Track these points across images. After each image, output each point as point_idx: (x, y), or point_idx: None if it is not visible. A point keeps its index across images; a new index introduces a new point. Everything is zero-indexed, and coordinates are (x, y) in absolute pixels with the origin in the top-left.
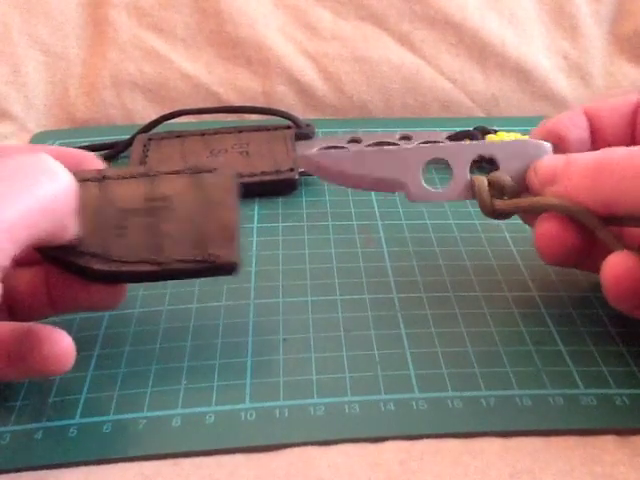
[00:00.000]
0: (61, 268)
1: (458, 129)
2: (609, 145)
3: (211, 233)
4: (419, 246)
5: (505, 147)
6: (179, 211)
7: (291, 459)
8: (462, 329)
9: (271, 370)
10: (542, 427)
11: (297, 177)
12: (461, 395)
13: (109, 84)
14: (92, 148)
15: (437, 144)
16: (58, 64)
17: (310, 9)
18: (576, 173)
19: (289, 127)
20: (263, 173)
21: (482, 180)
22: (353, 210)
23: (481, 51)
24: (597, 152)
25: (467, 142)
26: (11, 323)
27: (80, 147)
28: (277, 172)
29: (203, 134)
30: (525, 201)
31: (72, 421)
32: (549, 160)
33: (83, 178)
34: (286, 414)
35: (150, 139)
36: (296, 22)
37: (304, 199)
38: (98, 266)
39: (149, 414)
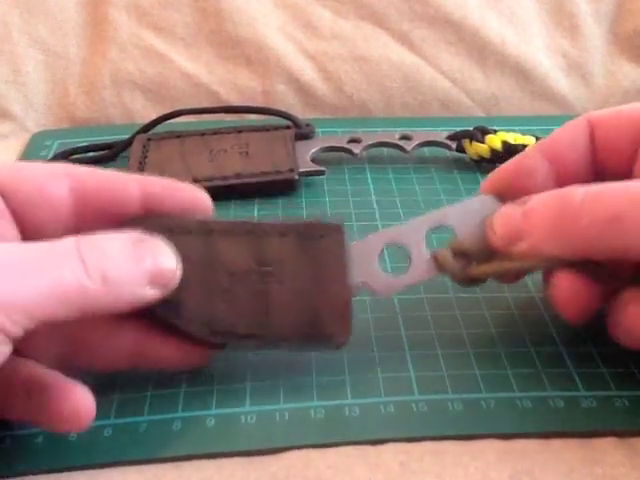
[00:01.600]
0: (158, 325)
1: (458, 129)
2: (573, 180)
3: (324, 311)
4: None
5: (454, 212)
6: (289, 280)
7: (291, 462)
8: (462, 331)
9: (271, 373)
10: (542, 429)
11: (297, 177)
12: (461, 397)
13: (109, 83)
14: (92, 148)
15: (385, 230)
16: (58, 63)
17: (310, 8)
18: (537, 227)
19: (289, 127)
20: (263, 173)
21: (445, 252)
22: (353, 211)
23: (481, 50)
24: (553, 194)
25: (416, 219)
26: (37, 366)
27: (80, 147)
28: (277, 172)
29: (203, 134)
30: (498, 266)
31: None
32: (504, 215)
33: (187, 229)
34: (286, 417)
35: (150, 139)
36: (296, 21)
37: (304, 199)
38: (204, 335)
39: (149, 417)
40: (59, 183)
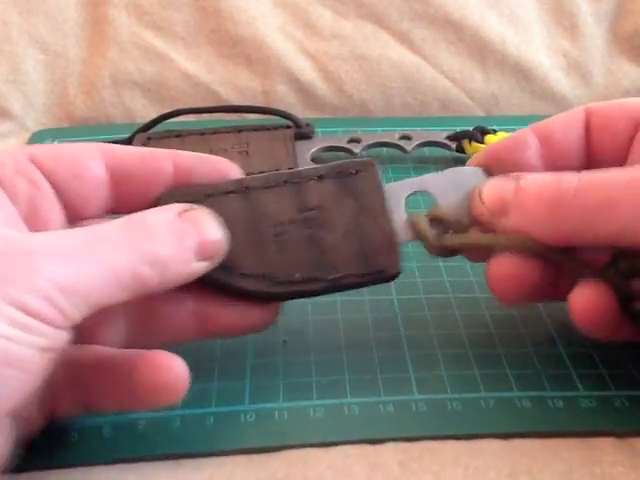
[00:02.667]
0: (218, 291)
1: (458, 129)
2: (563, 164)
3: (373, 243)
4: (419, 247)
5: (438, 179)
6: (335, 221)
7: (291, 461)
8: (461, 331)
9: (271, 371)
10: (541, 429)
11: None
12: (460, 397)
13: (109, 83)
14: None
15: None
16: (58, 63)
17: (310, 8)
18: (530, 204)
19: (289, 127)
20: (262, 173)
21: (422, 218)
22: None
23: (481, 50)
24: (548, 178)
25: (396, 183)
26: (113, 350)
27: None
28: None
29: (202, 133)
30: (474, 238)
31: (72, 423)
32: (496, 186)
33: (225, 191)
34: (286, 416)
35: (149, 138)
36: (296, 21)
37: None
38: (264, 288)
39: (149, 415)
40: (96, 161)
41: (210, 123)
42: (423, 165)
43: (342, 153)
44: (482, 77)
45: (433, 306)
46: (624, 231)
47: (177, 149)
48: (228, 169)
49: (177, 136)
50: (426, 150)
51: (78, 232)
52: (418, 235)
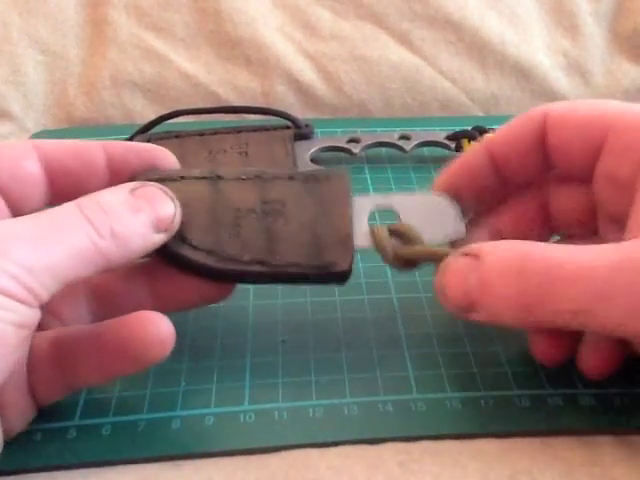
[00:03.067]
0: (168, 262)
1: (457, 128)
2: (517, 175)
3: (326, 240)
4: None
5: (405, 200)
6: (294, 216)
7: (290, 461)
8: (461, 329)
9: (270, 371)
10: (541, 427)
11: None
12: (460, 396)
13: (108, 84)
14: None
15: None
16: (57, 64)
17: (309, 8)
18: (496, 301)
19: (288, 127)
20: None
21: (382, 228)
22: None
23: (481, 50)
24: (509, 269)
25: (365, 196)
26: (91, 325)
27: None
28: None
29: (202, 134)
30: (427, 250)
31: (71, 423)
32: (456, 279)
33: (197, 176)
34: (285, 416)
35: (149, 139)
36: (295, 22)
37: None
38: (210, 262)
39: (148, 416)
40: (31, 159)
41: (210, 124)
42: (422, 165)
43: (341, 153)
44: (482, 77)
45: (432, 305)
46: (598, 331)
47: (176, 150)
48: (163, 157)
49: (177, 137)
50: (425, 150)
51: (37, 216)
52: (376, 243)
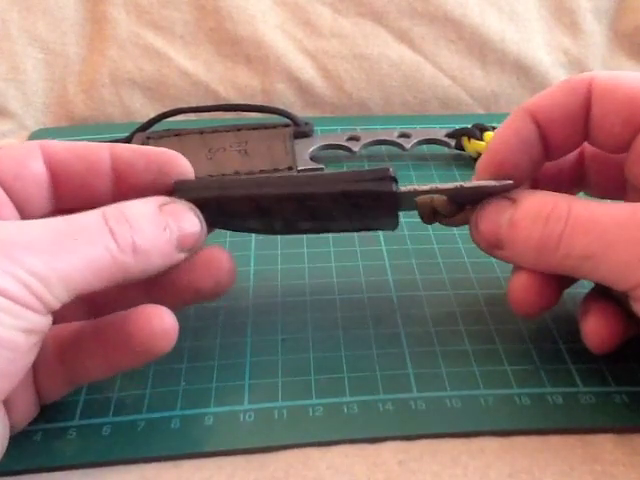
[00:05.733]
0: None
1: (457, 126)
2: (562, 146)
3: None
4: (418, 244)
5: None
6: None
7: (290, 460)
8: (461, 327)
9: (270, 370)
10: (541, 426)
11: None
12: (460, 394)
13: (108, 82)
14: None
15: None
16: (57, 61)
17: (309, 6)
18: (519, 244)
19: (288, 125)
20: (261, 172)
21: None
22: None
23: (481, 47)
24: (538, 215)
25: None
26: (100, 318)
27: None
28: (275, 170)
29: (202, 132)
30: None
31: (71, 423)
32: (491, 218)
33: (237, 185)
34: (285, 415)
35: (149, 137)
36: (295, 19)
37: None
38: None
39: (148, 416)
40: (36, 159)
41: (209, 122)
42: (422, 162)
43: (341, 151)
44: (482, 75)
45: (432, 303)
46: (603, 280)
47: (176, 148)
48: (175, 163)
49: (176, 135)
50: (425, 148)
51: (58, 221)
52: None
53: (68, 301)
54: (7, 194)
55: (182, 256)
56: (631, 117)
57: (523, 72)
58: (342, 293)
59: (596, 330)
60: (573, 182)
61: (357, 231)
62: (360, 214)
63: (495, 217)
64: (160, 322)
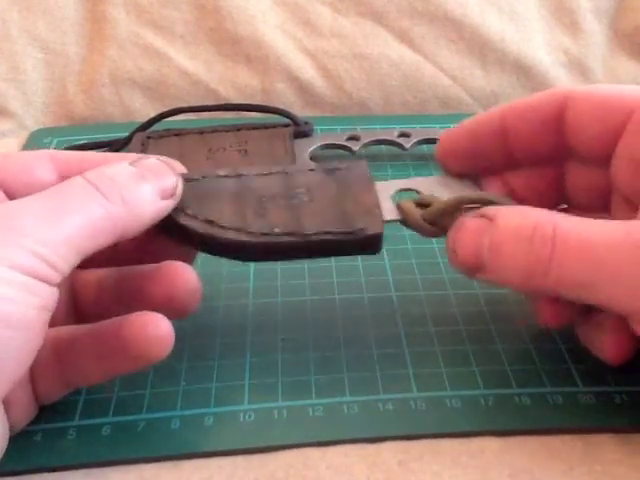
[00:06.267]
0: (198, 245)
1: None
2: (525, 153)
3: (354, 211)
4: (418, 244)
5: (425, 181)
6: (320, 195)
7: (290, 460)
8: (461, 327)
9: (270, 370)
10: (541, 426)
11: None
12: (460, 394)
13: (108, 81)
14: (90, 146)
15: None
16: (57, 61)
17: (309, 6)
18: (504, 268)
19: (287, 125)
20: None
21: (408, 201)
22: None
23: (481, 47)
24: (521, 238)
25: (386, 181)
26: (96, 323)
27: (78, 145)
28: None
29: (201, 132)
30: (451, 202)
31: (71, 423)
32: (469, 240)
33: (219, 175)
34: (285, 415)
35: (148, 137)
36: (295, 19)
37: None
38: (242, 238)
39: (148, 416)
40: (45, 167)
41: (209, 122)
42: (422, 162)
43: (341, 151)
44: (482, 74)
45: (432, 303)
46: (598, 306)
47: (176, 148)
48: (174, 168)
49: (176, 135)
50: (425, 147)
51: (46, 191)
52: (404, 213)
53: (75, 264)
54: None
55: (167, 203)
56: (607, 125)
57: (523, 72)
58: (342, 293)
59: (615, 344)
60: (555, 193)
61: (338, 246)
62: (335, 187)
63: (474, 239)
64: (155, 329)
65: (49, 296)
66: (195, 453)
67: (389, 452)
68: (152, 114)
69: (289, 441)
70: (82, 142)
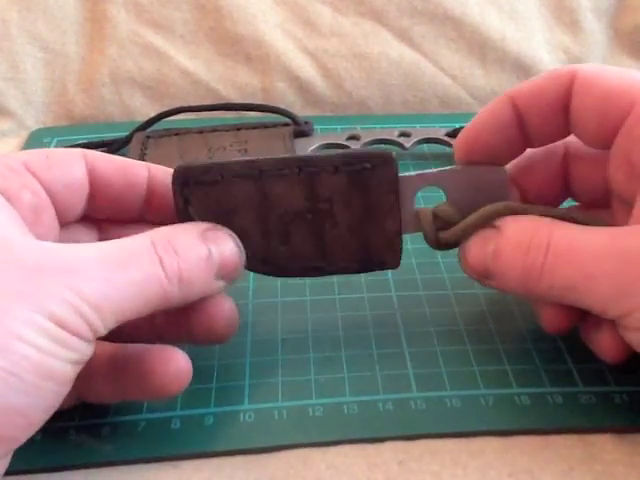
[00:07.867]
0: None
1: (457, 125)
2: (541, 132)
3: (376, 240)
4: (418, 244)
5: (453, 176)
6: (341, 216)
7: (290, 461)
8: (461, 327)
9: (270, 371)
10: (541, 426)
11: None
12: (460, 394)
13: (108, 81)
14: (90, 145)
15: None
16: (57, 61)
17: (309, 5)
18: (504, 274)
19: (287, 124)
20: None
21: (427, 213)
22: None
23: (481, 46)
24: (519, 244)
25: (411, 174)
26: (117, 345)
27: (78, 144)
28: None
29: (201, 132)
30: (464, 229)
31: (71, 423)
32: (477, 248)
33: (238, 173)
34: (285, 415)
35: (148, 136)
36: (295, 18)
37: None
38: (268, 271)
39: (148, 416)
40: (80, 167)
41: (209, 121)
42: (422, 162)
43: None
44: (482, 74)
45: (432, 303)
46: (588, 308)
47: (176, 147)
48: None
49: (176, 134)
50: (425, 147)
51: (110, 247)
52: (421, 229)
53: (113, 327)
54: (52, 200)
55: (221, 285)
56: (605, 114)
57: (523, 71)
58: (342, 293)
59: (613, 343)
60: (559, 189)
61: (358, 260)
62: (359, 200)
63: (481, 247)
64: (175, 366)
65: (84, 352)
66: (195, 453)
67: (389, 452)
68: (152, 113)
69: (289, 441)
70: (82, 141)
